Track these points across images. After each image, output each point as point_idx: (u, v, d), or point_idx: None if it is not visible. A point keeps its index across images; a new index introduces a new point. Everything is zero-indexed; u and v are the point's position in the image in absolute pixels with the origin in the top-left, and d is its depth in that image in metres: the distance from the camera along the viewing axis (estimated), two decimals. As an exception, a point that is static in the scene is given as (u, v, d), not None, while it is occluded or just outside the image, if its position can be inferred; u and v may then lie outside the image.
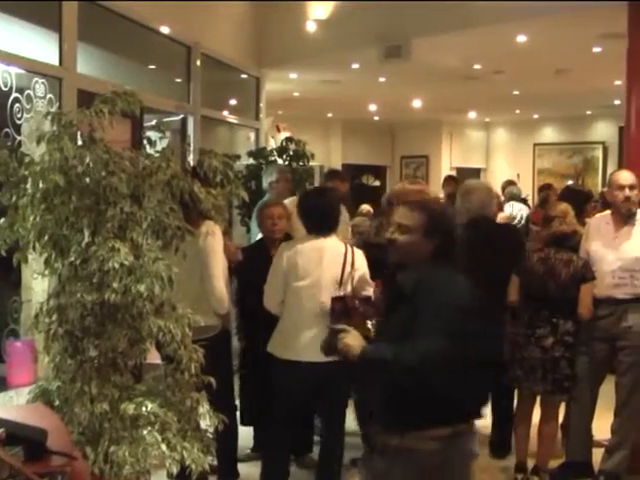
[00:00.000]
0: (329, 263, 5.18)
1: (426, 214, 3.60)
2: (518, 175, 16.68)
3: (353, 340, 3.53)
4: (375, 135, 19.01)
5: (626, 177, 5.97)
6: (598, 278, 5.83)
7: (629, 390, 5.83)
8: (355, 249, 5.33)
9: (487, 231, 6.26)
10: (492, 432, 6.62)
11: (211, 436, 4.30)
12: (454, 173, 16.49)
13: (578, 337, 5.73)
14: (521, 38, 8.72)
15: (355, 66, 10.73)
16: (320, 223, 5.28)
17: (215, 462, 5.08)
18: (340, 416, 5.45)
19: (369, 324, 5.08)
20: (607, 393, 6.01)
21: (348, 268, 5.20)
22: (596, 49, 9.25)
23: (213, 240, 5.11)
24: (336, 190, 6.14)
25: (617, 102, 11.67)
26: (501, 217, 8.60)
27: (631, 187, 5.88)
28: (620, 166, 7.57)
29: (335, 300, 5.09)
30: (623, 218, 5.91)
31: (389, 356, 3.33)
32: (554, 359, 5.65)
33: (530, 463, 5.91)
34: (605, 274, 5.81)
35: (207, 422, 4.26)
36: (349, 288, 5.20)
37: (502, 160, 18.79)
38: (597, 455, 6.03)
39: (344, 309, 5.03)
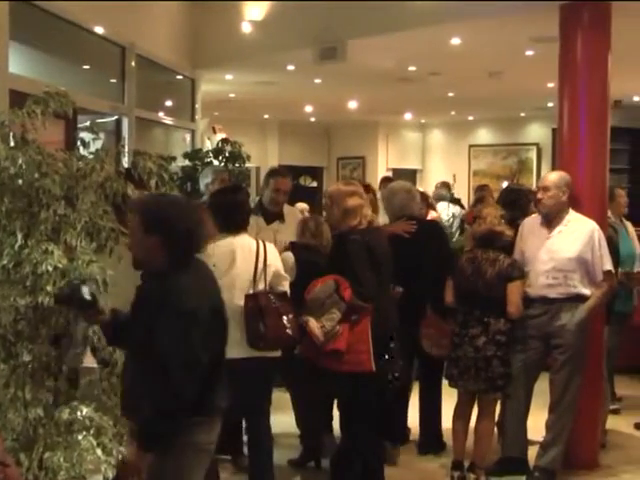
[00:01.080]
0: (241, 262, 5.17)
1: (139, 211, 3.55)
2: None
3: None
4: (311, 136, 19.04)
5: (543, 179, 6.15)
6: (532, 278, 5.92)
7: (563, 387, 5.91)
8: (267, 245, 5.34)
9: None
10: (420, 430, 6.68)
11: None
12: (390, 174, 16.55)
13: (513, 335, 5.80)
14: (455, 41, 8.79)
15: (291, 67, 10.73)
16: (230, 220, 5.29)
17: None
18: (264, 413, 5.40)
19: (285, 319, 5.14)
20: (542, 391, 6.09)
21: (261, 265, 5.19)
22: (529, 52, 9.36)
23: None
24: (246, 190, 6.19)
25: (550, 104, 11.83)
26: (431, 216, 8.74)
27: (544, 189, 6.02)
28: (553, 167, 7.69)
29: (248, 298, 5.12)
30: (549, 219, 6.03)
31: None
32: (486, 358, 5.71)
33: (467, 461, 5.97)
34: (539, 274, 5.90)
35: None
36: (262, 285, 5.20)
37: (438, 161, 18.93)
38: (532, 451, 6.10)
39: (257, 307, 5.07)
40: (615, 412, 7.53)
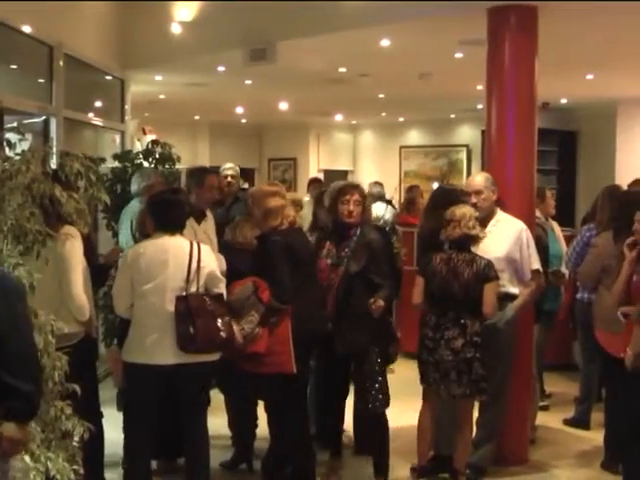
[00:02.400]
0: (174, 263, 5.08)
1: None
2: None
3: None
4: (243, 138, 19.00)
5: (471, 184, 6.18)
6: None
7: (495, 385, 5.96)
8: (202, 246, 5.24)
9: None
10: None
11: (77, 445, 4.20)
12: (322, 175, 16.59)
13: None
14: (385, 42, 8.82)
15: (221, 69, 10.68)
16: (167, 220, 5.23)
17: (82, 471, 4.97)
18: (198, 417, 5.31)
19: (219, 322, 5.07)
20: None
21: (194, 266, 5.09)
22: (458, 55, 9.43)
23: (72, 245, 4.99)
24: (184, 192, 6.15)
25: (479, 106, 11.94)
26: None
27: (476, 193, 6.06)
28: (483, 168, 7.76)
29: (178, 300, 5.05)
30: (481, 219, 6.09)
31: None
32: (467, 360, 5.64)
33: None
34: (472, 274, 5.94)
35: (70, 429, 4.16)
36: (194, 287, 5.09)
37: (369, 162, 19.02)
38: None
39: (187, 309, 4.99)
40: (544, 409, 7.64)
